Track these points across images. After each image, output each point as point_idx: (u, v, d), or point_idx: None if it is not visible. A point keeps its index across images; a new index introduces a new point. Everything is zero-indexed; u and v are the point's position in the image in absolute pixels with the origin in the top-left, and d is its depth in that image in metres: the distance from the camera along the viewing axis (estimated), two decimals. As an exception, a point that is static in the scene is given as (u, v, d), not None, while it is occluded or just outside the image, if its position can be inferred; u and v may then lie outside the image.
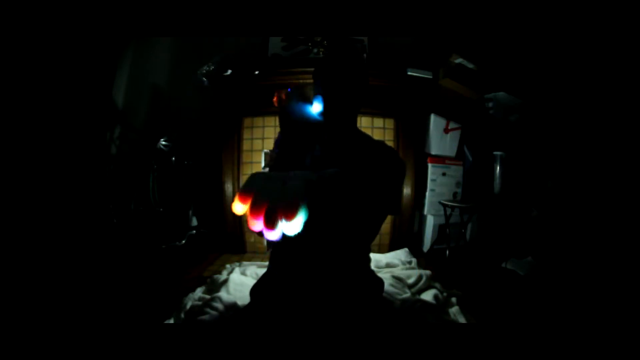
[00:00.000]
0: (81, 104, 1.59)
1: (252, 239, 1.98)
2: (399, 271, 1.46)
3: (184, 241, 1.95)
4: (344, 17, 1.64)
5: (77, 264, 1.38)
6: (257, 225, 0.28)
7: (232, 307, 1.06)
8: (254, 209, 0.29)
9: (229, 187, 1.98)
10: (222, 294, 1.16)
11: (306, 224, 0.28)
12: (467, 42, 1.98)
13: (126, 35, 1.88)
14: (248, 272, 1.43)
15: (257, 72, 1.93)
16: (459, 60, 1.96)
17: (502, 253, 1.79)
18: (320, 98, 0.44)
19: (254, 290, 0.86)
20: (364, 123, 1.99)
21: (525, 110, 2.03)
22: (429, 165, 2.05)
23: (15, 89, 1.29)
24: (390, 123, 2.01)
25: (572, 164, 1.72)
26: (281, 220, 0.28)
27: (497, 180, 2.02)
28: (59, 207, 1.44)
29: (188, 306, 1.12)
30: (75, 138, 1.56)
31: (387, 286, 1.21)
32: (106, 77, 1.81)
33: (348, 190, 0.36)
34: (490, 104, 2.05)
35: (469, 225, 2.03)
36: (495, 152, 2.02)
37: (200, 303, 1.12)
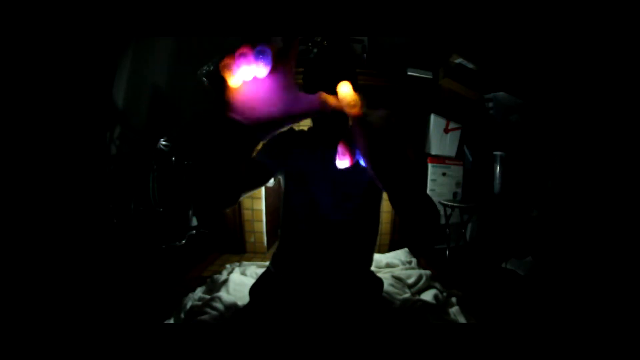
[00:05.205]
0: (81, 104, 1.59)
1: (252, 239, 1.98)
2: (399, 271, 1.46)
3: (184, 241, 1.95)
4: (344, 17, 1.64)
5: (77, 264, 1.38)
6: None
7: (232, 307, 1.06)
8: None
9: (229, 187, 1.98)
10: (222, 294, 1.16)
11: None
12: (467, 42, 1.98)
13: (126, 35, 1.88)
14: (248, 272, 1.43)
15: (257, 72, 1.92)
16: (459, 60, 1.96)
17: (502, 253, 1.79)
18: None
19: (254, 290, 0.86)
20: (364, 123, 1.99)
21: (525, 110, 2.03)
22: (429, 165, 2.05)
23: (15, 89, 1.29)
24: (390, 123, 2.01)
25: (572, 164, 1.72)
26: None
27: (497, 180, 2.02)
28: (58, 207, 1.44)
29: (188, 306, 1.12)
30: (75, 138, 1.56)
31: (387, 286, 1.20)
32: (106, 77, 1.81)
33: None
34: (490, 104, 2.05)
35: (469, 225, 2.03)
36: (495, 152, 2.03)
37: (200, 303, 1.12)
